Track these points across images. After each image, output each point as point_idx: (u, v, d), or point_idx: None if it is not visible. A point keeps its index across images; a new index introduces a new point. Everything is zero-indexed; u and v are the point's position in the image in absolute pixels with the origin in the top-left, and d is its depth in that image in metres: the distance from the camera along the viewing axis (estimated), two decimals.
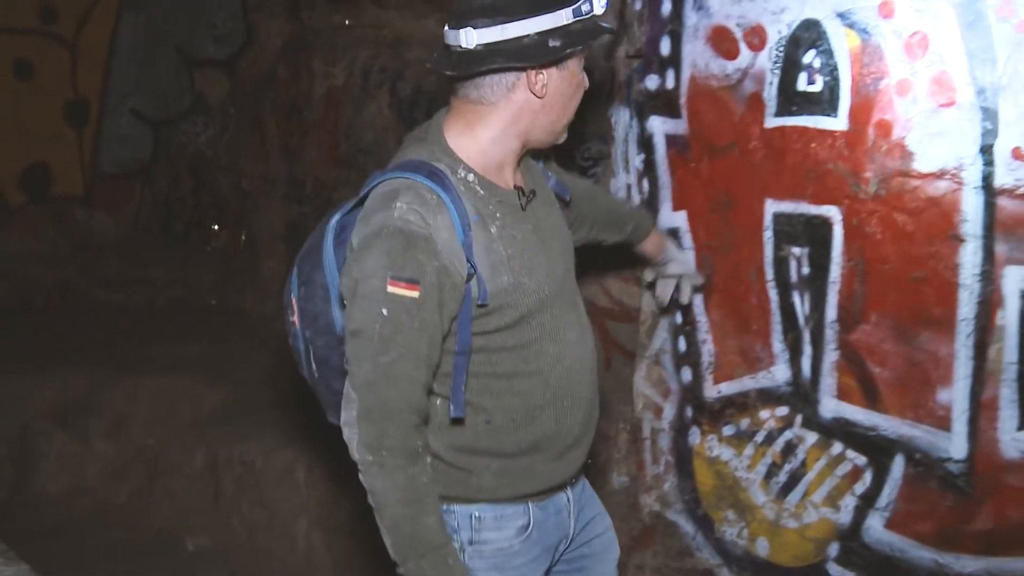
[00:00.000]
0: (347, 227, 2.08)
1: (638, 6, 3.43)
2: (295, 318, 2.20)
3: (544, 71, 2.01)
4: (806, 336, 3.05)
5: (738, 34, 3.08)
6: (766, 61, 3.01)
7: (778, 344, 3.12)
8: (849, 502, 3.04)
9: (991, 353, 2.75)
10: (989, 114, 2.65)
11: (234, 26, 6.72)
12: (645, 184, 3.44)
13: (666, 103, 3.30)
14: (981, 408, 2.78)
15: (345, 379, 1.99)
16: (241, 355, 5.58)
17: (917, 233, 2.78)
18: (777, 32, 2.98)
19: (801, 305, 3.05)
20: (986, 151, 2.67)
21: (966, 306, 2.76)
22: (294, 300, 2.19)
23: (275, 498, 4.44)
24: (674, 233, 3.30)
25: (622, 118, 3.55)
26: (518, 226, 2.09)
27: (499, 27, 1.94)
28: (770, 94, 3.01)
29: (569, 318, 2.18)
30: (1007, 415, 2.75)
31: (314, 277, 2.12)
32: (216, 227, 6.95)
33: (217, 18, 6.86)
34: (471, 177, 2.04)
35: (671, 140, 3.33)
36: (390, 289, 1.89)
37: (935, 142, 2.73)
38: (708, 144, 3.21)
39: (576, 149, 3.78)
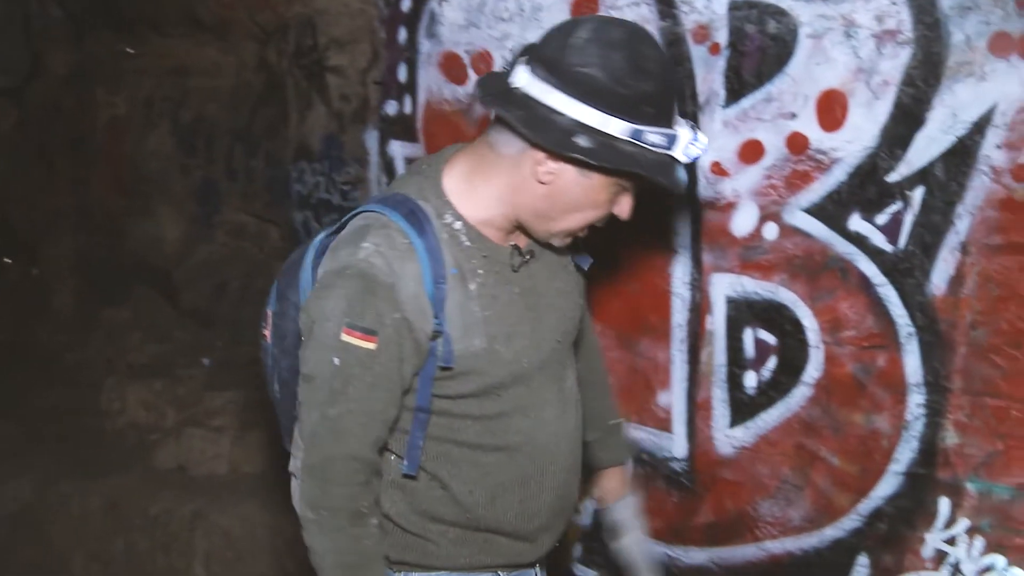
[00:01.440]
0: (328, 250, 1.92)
1: (383, 34, 3.53)
2: (267, 331, 2.07)
3: (557, 162, 1.74)
4: None
5: (466, 60, 3.20)
6: None
7: None
8: (587, 505, 3.17)
9: (703, 356, 2.92)
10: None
11: (19, 55, 6.55)
12: None
13: (404, 128, 3.41)
14: (697, 409, 2.95)
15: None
16: (28, 388, 5.45)
17: (635, 245, 2.93)
18: (501, 57, 3.11)
19: None
20: (689, 167, 2.83)
21: (679, 313, 2.93)
22: (269, 314, 2.06)
23: (51, 533, 4.39)
24: None
25: (373, 142, 3.64)
26: (503, 287, 1.87)
27: (547, 85, 1.68)
28: None
29: (549, 393, 1.97)
30: (720, 414, 2.93)
31: (288, 294, 2.00)
32: (7, 260, 6.75)
33: (2, 47, 6.67)
34: (458, 225, 1.83)
35: (409, 163, 3.43)
36: (344, 337, 1.72)
37: None
38: None
39: (336, 172, 3.87)
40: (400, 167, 3.45)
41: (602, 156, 1.68)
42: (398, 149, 3.45)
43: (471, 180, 1.85)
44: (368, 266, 1.73)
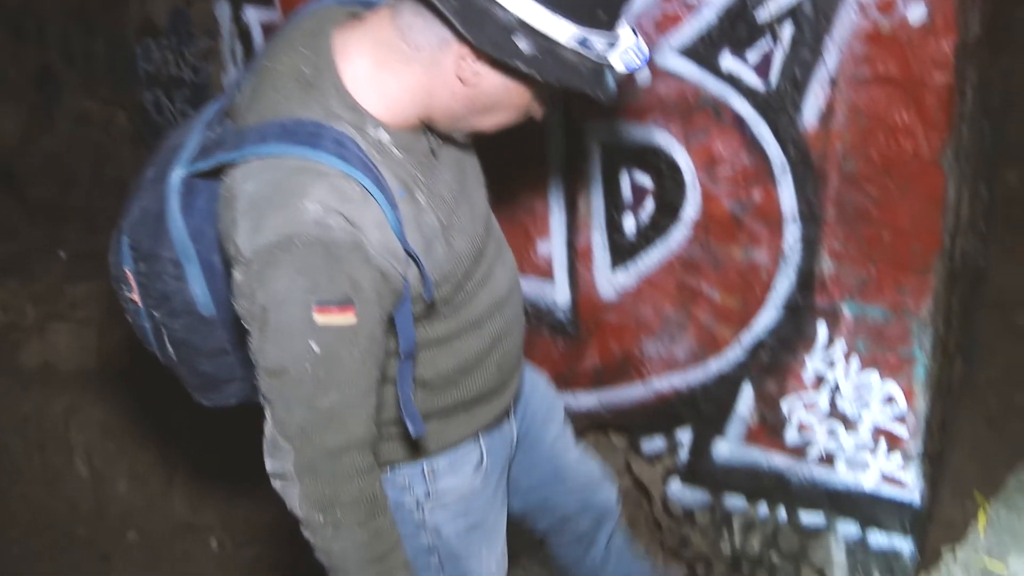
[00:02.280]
0: (198, 192, 1.65)
1: None
2: (135, 295, 1.76)
3: (482, 62, 1.53)
4: None
5: None
6: None
7: None
8: None
9: (580, 203, 2.89)
10: None
11: None
12: None
13: None
14: (577, 256, 2.94)
15: (219, 361, 1.71)
16: None
17: None
18: None
19: None
20: None
21: (554, 161, 2.88)
22: (129, 275, 1.75)
23: None
24: None
25: (224, 12, 3.40)
26: (441, 180, 1.70)
27: None
28: None
29: (493, 253, 1.87)
30: (600, 259, 2.93)
31: (158, 252, 1.68)
32: None
33: None
34: (384, 136, 1.58)
35: (267, 28, 3.23)
36: (318, 319, 1.46)
37: None
38: None
39: (186, 47, 3.63)
40: (258, 34, 3.23)
41: (542, 67, 1.48)
42: (253, 15, 3.22)
43: (378, 78, 1.57)
44: (324, 230, 1.44)
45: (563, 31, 1.46)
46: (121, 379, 4.04)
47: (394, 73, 1.57)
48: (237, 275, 1.50)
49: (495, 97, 1.59)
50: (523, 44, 1.45)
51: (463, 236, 1.72)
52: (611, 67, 1.56)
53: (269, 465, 1.59)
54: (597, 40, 1.50)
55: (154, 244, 1.68)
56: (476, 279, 1.78)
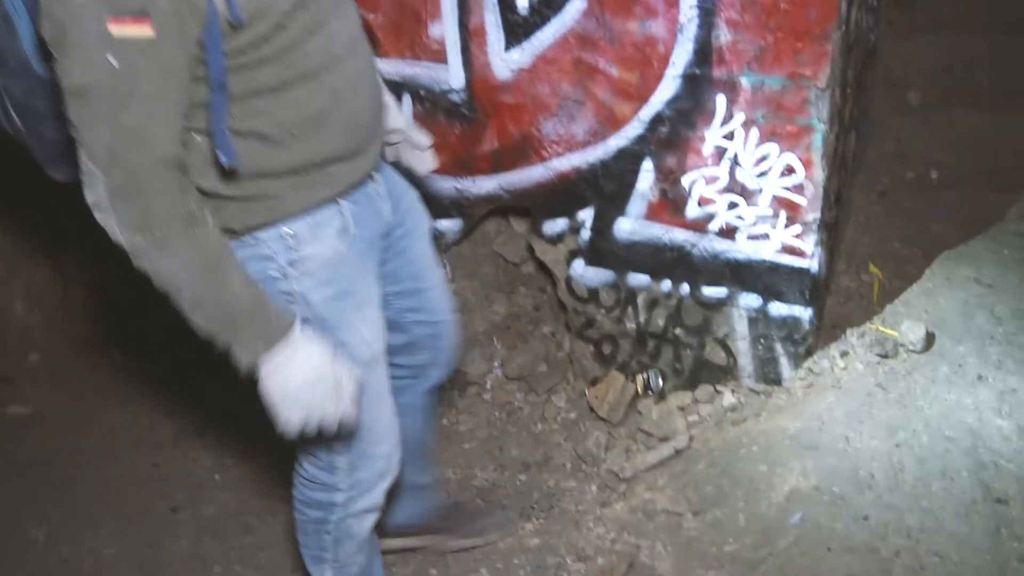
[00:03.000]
0: None
1: None
2: None
3: None
4: None
5: None
6: None
7: None
8: None
9: None
10: None
11: None
12: None
13: None
14: (471, 36, 2.85)
15: (65, 133, 1.64)
16: None
17: None
18: None
19: None
20: None
21: None
22: None
23: None
24: None
25: None
26: None
27: None
28: None
29: (332, 9, 1.81)
30: (494, 39, 2.84)
31: None
32: None
33: None
34: None
35: None
36: (113, 31, 1.47)
37: None
38: None
39: None
40: None
41: None
42: None
43: None
44: None
45: None
46: (6, 198, 3.87)
47: None
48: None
49: None
50: None
51: None
52: None
53: (87, 196, 1.60)
54: None
55: None
56: (303, 24, 1.72)
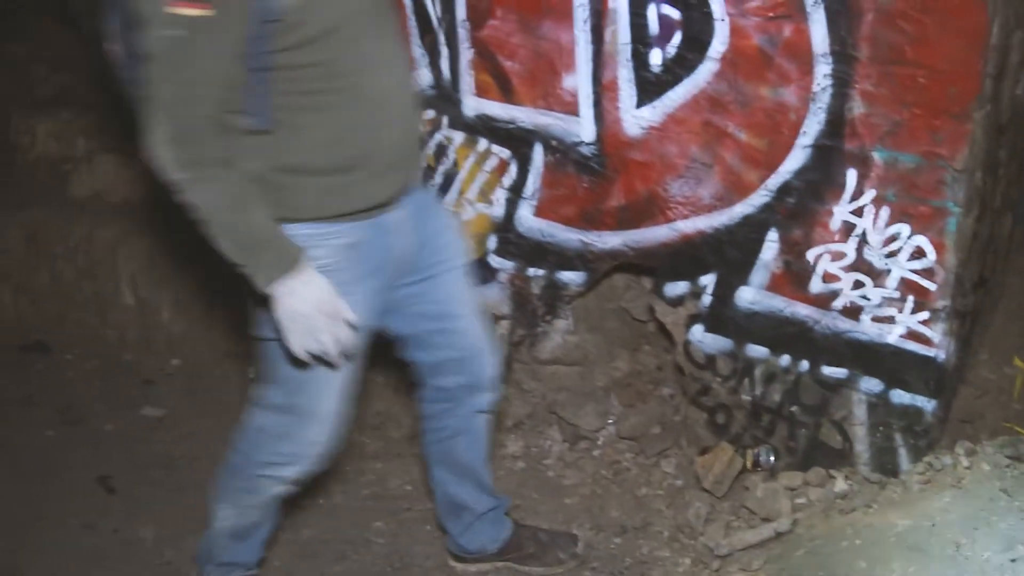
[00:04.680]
0: None
1: None
2: (117, 45, 2.13)
3: None
4: (441, 38, 3.02)
5: None
6: None
7: (417, 49, 3.08)
8: (500, 195, 3.14)
9: (607, 36, 2.79)
10: None
11: None
12: None
13: None
14: (603, 90, 2.84)
15: None
16: None
17: None
18: None
19: (433, 7, 3.00)
20: None
21: None
22: (114, 29, 2.11)
23: None
24: None
25: None
26: None
27: None
28: None
29: (381, 37, 2.14)
30: (627, 94, 2.83)
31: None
32: None
33: None
34: None
35: None
36: (175, 9, 1.84)
37: None
38: None
39: None
40: None
41: None
42: None
43: None
44: None
45: None
46: (166, 210, 4.08)
47: None
48: None
49: None
50: None
51: None
52: None
53: (148, 140, 1.95)
54: None
55: None
56: (347, 39, 2.02)
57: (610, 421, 3.37)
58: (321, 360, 2.18)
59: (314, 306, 2.08)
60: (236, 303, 3.94)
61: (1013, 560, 2.33)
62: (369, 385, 3.68)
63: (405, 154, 2.25)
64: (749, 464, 3.00)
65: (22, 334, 4.31)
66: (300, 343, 2.11)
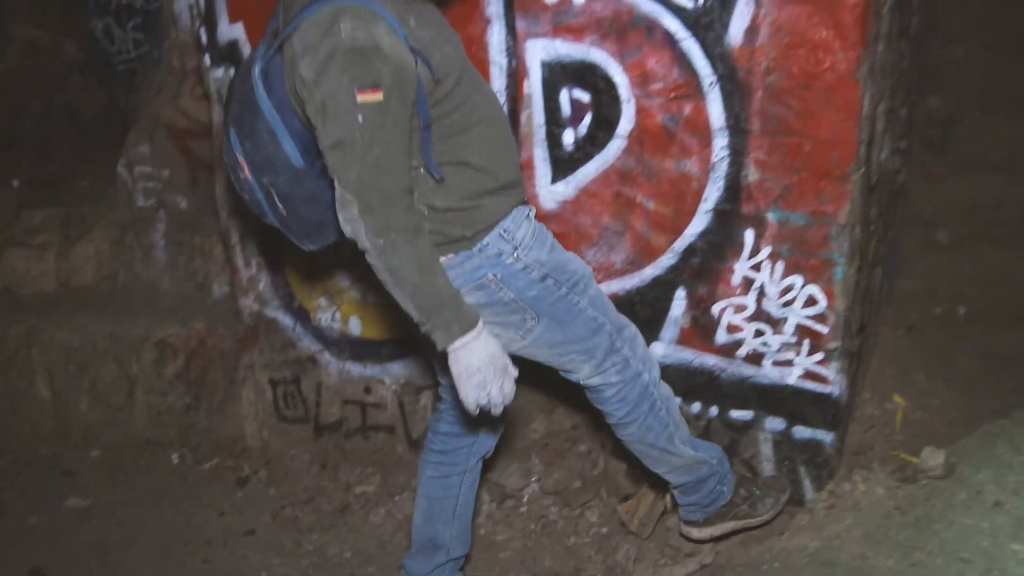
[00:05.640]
0: (271, 73, 2.28)
1: None
2: (246, 173, 2.36)
3: None
4: None
5: None
6: None
7: None
8: None
9: (523, 119, 3.04)
10: None
11: None
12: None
13: None
14: (522, 169, 3.06)
15: (314, 206, 2.37)
16: None
17: (451, 18, 2.96)
18: None
19: None
20: None
21: (497, 80, 3.02)
22: (240, 158, 2.35)
23: None
24: (233, 45, 3.34)
25: None
26: (425, 14, 2.32)
27: None
28: None
29: (478, 80, 2.43)
30: (542, 172, 3.08)
31: (256, 126, 2.30)
32: None
33: None
34: None
35: None
36: (359, 98, 2.09)
37: None
38: None
39: None
40: None
41: None
42: None
43: None
44: (353, 41, 2.08)
45: None
46: (80, 301, 4.14)
47: None
48: (303, 92, 2.17)
49: None
50: None
51: (449, 47, 2.31)
52: None
53: (341, 217, 2.20)
54: None
55: (253, 121, 2.30)
56: (468, 84, 2.34)
57: (533, 479, 3.55)
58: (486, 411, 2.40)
59: (487, 361, 2.31)
60: (155, 392, 4.04)
61: (912, 565, 2.59)
62: (295, 463, 3.80)
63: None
64: (669, 506, 3.22)
65: None
66: (473, 396, 2.32)
